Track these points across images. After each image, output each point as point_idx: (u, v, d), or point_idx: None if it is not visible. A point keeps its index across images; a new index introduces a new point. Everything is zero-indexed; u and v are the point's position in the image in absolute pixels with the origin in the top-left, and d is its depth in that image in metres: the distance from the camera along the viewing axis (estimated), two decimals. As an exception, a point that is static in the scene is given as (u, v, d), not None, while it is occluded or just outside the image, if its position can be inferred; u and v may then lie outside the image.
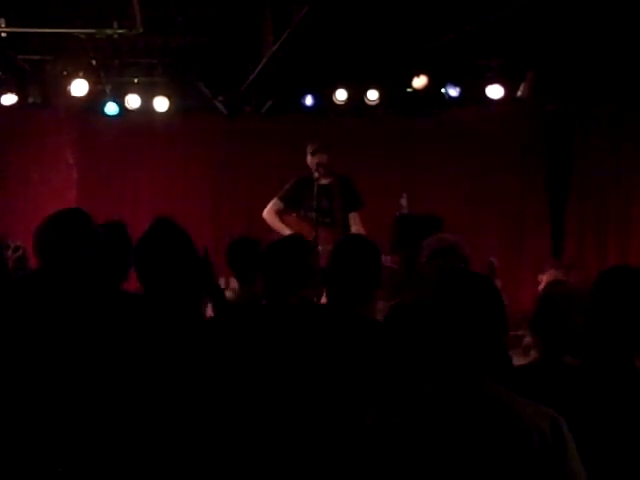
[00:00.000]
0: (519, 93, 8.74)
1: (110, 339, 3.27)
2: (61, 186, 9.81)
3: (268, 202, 7.33)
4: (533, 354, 3.59)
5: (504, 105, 8.88)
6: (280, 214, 7.25)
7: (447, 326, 2.48)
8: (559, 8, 6.26)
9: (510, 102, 8.82)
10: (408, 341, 3.35)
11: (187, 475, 3.23)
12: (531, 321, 3.54)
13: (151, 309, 3.42)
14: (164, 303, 3.42)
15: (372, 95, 9.02)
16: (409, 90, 8.91)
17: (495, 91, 8.65)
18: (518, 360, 3.93)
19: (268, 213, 7.30)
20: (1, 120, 9.42)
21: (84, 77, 8.37)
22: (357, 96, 9.04)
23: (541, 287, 6.08)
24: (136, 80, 8.91)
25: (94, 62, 8.39)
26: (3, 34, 7.06)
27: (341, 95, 9.00)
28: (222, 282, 5.71)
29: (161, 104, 8.96)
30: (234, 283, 5.32)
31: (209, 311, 4.75)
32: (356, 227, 7.12)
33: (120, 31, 6.98)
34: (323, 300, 3.84)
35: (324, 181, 7.11)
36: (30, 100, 8.90)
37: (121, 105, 9.06)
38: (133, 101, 8.99)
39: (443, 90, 8.97)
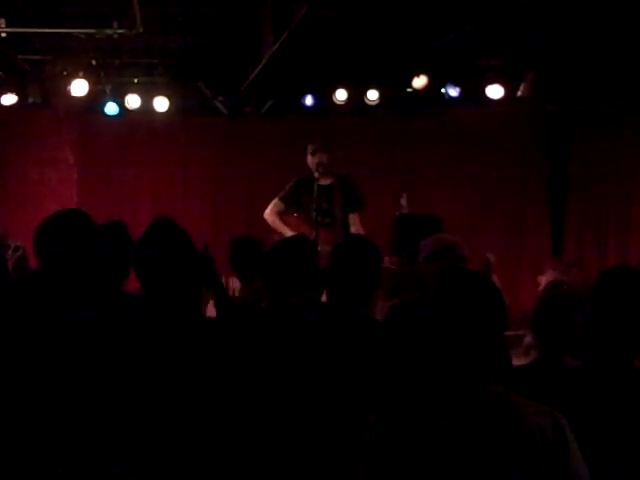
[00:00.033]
0: (519, 93, 8.74)
1: (110, 339, 3.27)
2: (61, 186, 9.81)
3: (268, 202, 7.34)
4: (533, 354, 3.59)
5: (504, 105, 8.87)
6: (281, 215, 7.26)
7: (449, 326, 2.48)
8: (559, 8, 6.26)
9: (510, 102, 8.81)
10: (409, 341, 3.35)
11: (188, 475, 3.23)
12: (531, 321, 3.55)
13: (151, 309, 3.42)
14: (164, 303, 3.42)
15: (372, 95, 9.02)
16: (409, 90, 8.90)
17: (495, 91, 8.65)
18: (518, 360, 3.93)
19: (269, 214, 7.31)
20: (1, 120, 9.41)
21: (84, 77, 8.36)
22: (357, 96, 9.04)
23: (541, 288, 6.08)
24: (136, 80, 8.90)
25: (94, 62, 8.38)
26: (3, 34, 7.06)
27: (341, 95, 9.00)
28: (222, 282, 5.70)
29: (161, 104, 8.96)
30: (235, 283, 5.33)
31: (210, 310, 4.76)
32: (355, 228, 7.13)
33: (120, 31, 6.98)
34: (323, 300, 3.84)
35: (324, 181, 7.11)
36: (30, 100, 8.90)
37: (121, 105, 9.05)
38: (133, 101, 8.98)
39: (443, 90, 8.97)
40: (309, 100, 9.38)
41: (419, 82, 8.63)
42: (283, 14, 6.53)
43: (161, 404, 3.22)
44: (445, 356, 2.49)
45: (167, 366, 3.27)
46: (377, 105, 9.15)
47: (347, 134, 9.67)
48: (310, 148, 7.15)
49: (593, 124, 9.98)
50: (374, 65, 8.49)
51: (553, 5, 6.18)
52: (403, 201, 8.52)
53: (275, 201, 7.31)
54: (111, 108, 9.13)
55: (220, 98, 9.43)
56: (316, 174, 6.97)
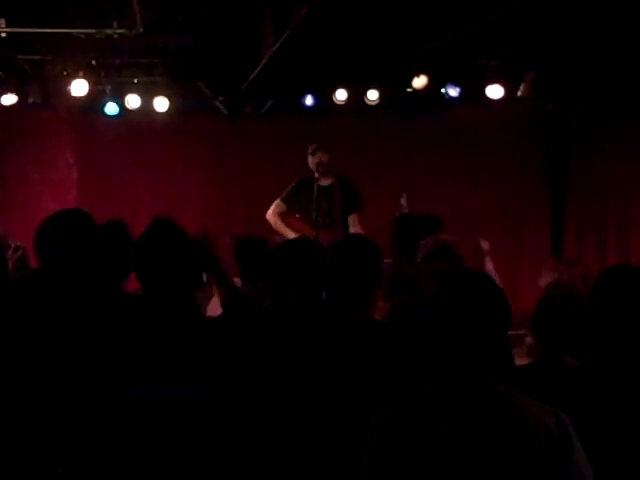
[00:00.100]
0: (519, 93, 8.74)
1: (110, 339, 3.27)
2: (61, 186, 9.81)
3: (268, 202, 7.36)
4: (535, 354, 3.59)
5: (504, 105, 8.88)
6: (283, 216, 7.28)
7: (452, 326, 2.48)
8: (559, 8, 6.25)
9: (510, 102, 8.82)
10: (411, 340, 3.35)
11: (190, 474, 3.23)
12: (531, 321, 3.55)
13: (151, 309, 3.42)
14: (164, 303, 3.42)
15: (372, 95, 9.02)
16: (409, 90, 8.90)
17: (495, 91, 8.65)
18: (520, 360, 3.93)
19: (271, 215, 7.34)
20: (1, 120, 9.41)
21: (84, 77, 8.36)
22: (357, 96, 9.04)
23: (541, 288, 6.08)
24: (136, 80, 8.91)
25: (94, 62, 8.38)
26: (3, 34, 7.06)
27: (341, 95, 9.00)
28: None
29: (161, 104, 8.96)
30: (236, 282, 5.32)
31: (210, 310, 4.75)
32: (355, 229, 7.14)
33: (120, 31, 6.97)
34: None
35: (325, 182, 7.12)
36: (30, 100, 8.90)
37: (121, 105, 9.05)
38: (133, 101, 8.98)
39: (443, 90, 8.97)
40: (309, 100, 9.38)
41: (419, 82, 8.62)
42: (283, 14, 6.53)
43: (161, 404, 3.22)
44: (448, 356, 2.49)
45: (167, 366, 3.27)
46: (377, 105, 9.15)
47: (347, 134, 9.67)
48: (310, 148, 7.16)
49: (593, 124, 9.98)
50: (374, 65, 8.49)
51: (553, 5, 6.18)
52: (403, 201, 8.53)
53: (277, 202, 7.33)
54: (111, 108, 9.13)
55: (220, 98, 9.43)
56: (316, 174, 6.98)
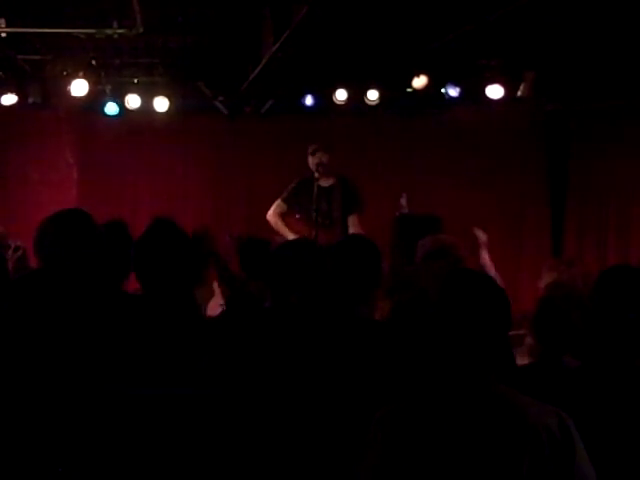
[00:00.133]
0: (519, 93, 8.74)
1: (110, 339, 3.27)
2: (61, 186, 9.80)
3: (268, 202, 7.37)
4: (535, 354, 3.59)
5: (504, 105, 8.88)
6: (283, 216, 7.29)
7: (454, 326, 2.48)
8: (559, 8, 6.25)
9: (510, 102, 8.82)
10: (412, 341, 3.35)
11: (189, 475, 3.23)
12: (531, 322, 3.55)
13: (150, 309, 3.42)
14: (163, 303, 3.42)
15: (372, 95, 9.02)
16: (409, 90, 8.90)
17: (495, 91, 8.65)
18: (520, 360, 3.94)
19: (272, 215, 7.35)
20: (1, 120, 9.41)
21: (84, 77, 8.36)
22: (357, 96, 9.04)
23: (541, 288, 6.07)
24: (136, 80, 8.90)
25: (94, 62, 8.38)
26: (3, 34, 7.05)
27: (341, 95, 9.00)
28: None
29: (161, 104, 8.96)
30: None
31: (210, 310, 4.76)
32: (354, 229, 7.14)
33: (120, 31, 6.97)
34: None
35: (325, 182, 7.13)
36: (30, 100, 8.90)
37: (121, 105, 9.05)
38: (133, 101, 8.98)
39: (443, 90, 8.97)
40: (309, 100, 9.38)
41: (419, 82, 8.62)
42: (283, 14, 6.53)
43: (161, 404, 3.22)
44: (450, 356, 2.49)
45: (167, 366, 3.27)
46: (377, 105, 9.15)
47: (347, 134, 9.67)
48: (310, 148, 7.17)
49: (593, 124, 9.98)
50: (374, 65, 8.49)
51: (553, 5, 6.18)
52: (403, 201, 8.53)
53: (278, 202, 7.35)
54: (111, 108, 9.13)
55: (220, 98, 9.43)
56: (316, 174, 6.99)
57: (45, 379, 3.18)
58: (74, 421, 3.15)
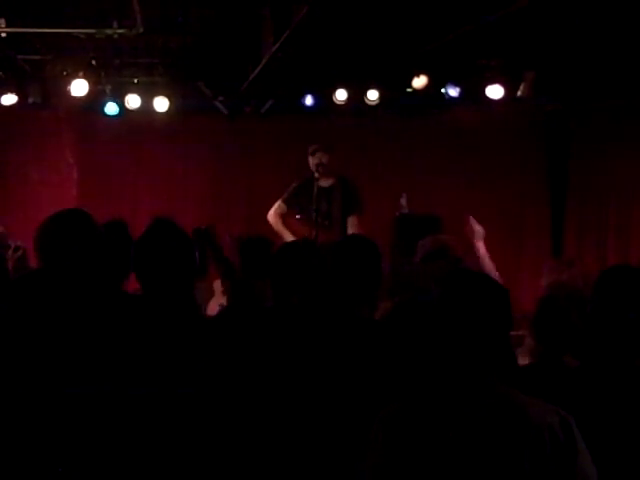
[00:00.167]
0: (519, 93, 8.74)
1: (110, 339, 3.27)
2: (61, 186, 9.81)
3: (268, 202, 7.39)
4: (536, 354, 3.59)
5: (504, 105, 8.87)
6: (283, 217, 7.30)
7: (455, 326, 2.48)
8: (559, 8, 6.25)
9: (510, 102, 8.82)
10: (413, 341, 3.35)
11: (189, 476, 3.23)
12: (532, 322, 3.55)
13: (150, 309, 3.42)
14: (163, 303, 3.41)
15: (372, 95, 9.01)
16: (409, 90, 8.90)
17: (495, 91, 8.65)
18: (521, 360, 3.94)
19: (272, 216, 7.37)
20: (1, 120, 9.41)
21: (84, 77, 8.36)
22: (357, 96, 9.04)
23: (542, 288, 6.06)
24: (136, 80, 8.90)
25: (94, 62, 8.38)
26: (3, 34, 7.06)
27: (341, 95, 9.00)
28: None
29: (161, 104, 8.96)
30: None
31: (210, 310, 4.76)
32: (353, 230, 7.15)
33: (120, 31, 6.98)
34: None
35: (325, 183, 7.14)
36: (30, 100, 8.90)
37: (121, 105, 9.05)
38: (133, 101, 8.98)
39: (443, 90, 8.97)
40: (309, 100, 9.38)
41: (419, 82, 8.62)
42: (283, 14, 6.53)
43: (161, 403, 3.22)
44: (451, 356, 2.49)
45: (167, 365, 3.27)
46: (377, 105, 9.14)
47: (347, 134, 9.67)
48: (310, 149, 7.18)
49: (593, 124, 9.97)
50: (374, 65, 8.49)
51: (553, 5, 6.18)
52: (403, 201, 8.53)
53: (278, 203, 7.36)
54: (111, 108, 9.13)
55: (220, 98, 9.43)
56: (316, 174, 6.99)
57: (45, 379, 3.18)
58: (74, 421, 3.15)
